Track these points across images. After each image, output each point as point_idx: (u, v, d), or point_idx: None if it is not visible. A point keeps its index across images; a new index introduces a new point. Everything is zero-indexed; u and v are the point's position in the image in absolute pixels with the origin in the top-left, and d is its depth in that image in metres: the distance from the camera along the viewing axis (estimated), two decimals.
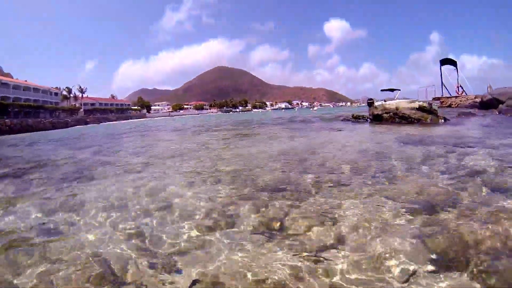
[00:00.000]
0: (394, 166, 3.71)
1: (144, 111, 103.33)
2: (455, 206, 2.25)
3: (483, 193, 2.55)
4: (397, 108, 11.12)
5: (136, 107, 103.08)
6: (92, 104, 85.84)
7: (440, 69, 28.76)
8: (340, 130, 9.76)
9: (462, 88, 27.41)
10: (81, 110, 76.43)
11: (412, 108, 10.95)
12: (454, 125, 9.26)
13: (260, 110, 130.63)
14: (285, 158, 4.71)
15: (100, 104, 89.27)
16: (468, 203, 2.32)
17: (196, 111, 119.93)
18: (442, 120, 10.71)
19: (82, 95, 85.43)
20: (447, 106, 27.75)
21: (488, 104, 19.40)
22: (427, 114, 10.73)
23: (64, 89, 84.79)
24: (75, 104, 78.22)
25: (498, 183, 2.76)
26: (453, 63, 28.02)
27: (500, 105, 17.89)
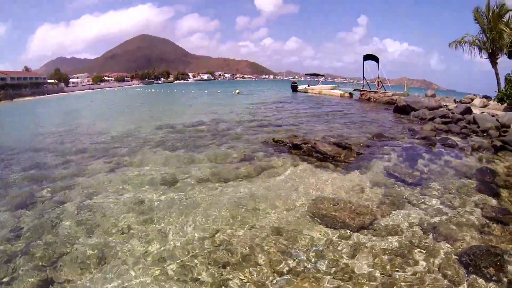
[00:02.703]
0: None
1: (62, 84, 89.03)
2: None
3: None
4: (315, 143, 10.66)
5: (53, 81, 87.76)
6: (3, 79, 75.00)
7: (363, 63, 29.96)
8: (268, 182, 8.58)
9: (381, 83, 29.25)
10: None
11: (330, 144, 10.70)
12: (365, 169, 9.01)
13: (182, 81, 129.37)
14: None
15: (12, 78, 77.18)
16: None
17: (118, 83, 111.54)
18: (355, 155, 10.62)
19: None
20: (367, 99, 29.62)
21: (402, 109, 21.15)
22: (342, 149, 10.54)
23: None
24: None
25: None
26: (375, 59, 29.31)
27: (412, 112, 19.69)
